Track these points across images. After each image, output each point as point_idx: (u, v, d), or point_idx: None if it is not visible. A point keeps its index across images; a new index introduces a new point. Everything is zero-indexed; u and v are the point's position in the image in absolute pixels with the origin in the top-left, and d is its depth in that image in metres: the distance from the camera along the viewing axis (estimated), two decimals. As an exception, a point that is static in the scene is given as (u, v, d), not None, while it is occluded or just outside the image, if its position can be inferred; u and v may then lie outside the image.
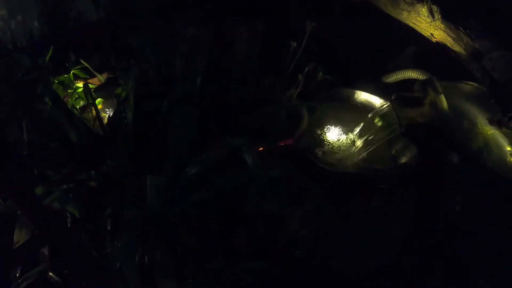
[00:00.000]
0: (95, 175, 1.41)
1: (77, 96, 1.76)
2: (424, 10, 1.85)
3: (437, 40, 1.87)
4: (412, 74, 1.83)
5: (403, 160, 1.66)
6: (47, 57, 1.77)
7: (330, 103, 1.94)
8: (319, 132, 1.87)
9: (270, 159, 1.50)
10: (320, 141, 1.83)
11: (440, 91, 1.74)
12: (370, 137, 1.76)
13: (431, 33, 1.87)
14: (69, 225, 1.37)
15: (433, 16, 1.80)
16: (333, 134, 1.86)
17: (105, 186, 1.42)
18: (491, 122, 1.70)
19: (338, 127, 1.89)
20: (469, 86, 1.86)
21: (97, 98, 1.73)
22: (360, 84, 2.01)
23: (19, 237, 1.42)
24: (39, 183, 1.31)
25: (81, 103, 1.77)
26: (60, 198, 1.35)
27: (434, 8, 1.82)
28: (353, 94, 1.96)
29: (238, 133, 1.42)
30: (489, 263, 1.56)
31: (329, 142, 1.83)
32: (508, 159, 1.66)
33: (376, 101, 1.90)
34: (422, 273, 1.52)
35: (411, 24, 1.92)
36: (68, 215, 1.37)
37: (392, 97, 1.73)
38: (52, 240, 1.33)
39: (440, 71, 1.87)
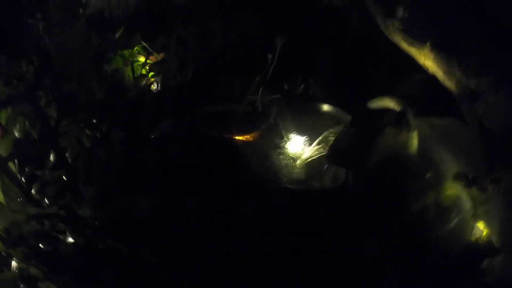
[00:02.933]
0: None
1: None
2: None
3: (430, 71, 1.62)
4: (389, 103, 1.63)
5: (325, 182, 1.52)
6: (119, 33, 2.07)
7: (302, 113, 1.83)
8: (278, 136, 1.79)
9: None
10: (275, 146, 1.76)
11: (412, 127, 1.53)
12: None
13: (423, 63, 1.63)
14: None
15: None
16: (292, 142, 1.78)
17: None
18: (457, 177, 1.44)
19: (299, 136, 1.79)
20: (457, 128, 1.59)
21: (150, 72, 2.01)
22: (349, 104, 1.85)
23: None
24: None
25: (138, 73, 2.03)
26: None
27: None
28: (330, 110, 1.82)
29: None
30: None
31: (283, 147, 1.76)
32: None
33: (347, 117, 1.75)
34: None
35: (406, 49, 1.69)
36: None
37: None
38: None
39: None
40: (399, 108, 1.57)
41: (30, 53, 2.36)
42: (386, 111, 1.65)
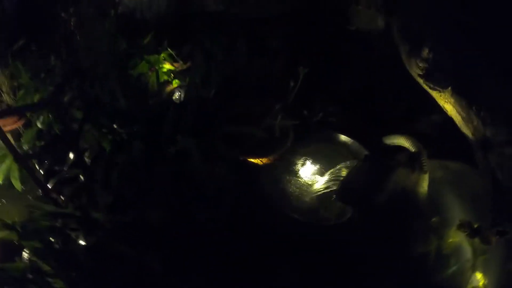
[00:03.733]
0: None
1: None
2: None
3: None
4: (405, 142, 1.66)
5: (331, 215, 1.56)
6: (147, 39, 2.13)
7: (319, 141, 1.87)
8: (294, 161, 1.82)
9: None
10: (288, 171, 1.79)
11: (424, 170, 1.56)
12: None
13: (442, 105, 1.65)
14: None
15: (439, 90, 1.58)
16: (305, 170, 1.81)
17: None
18: (462, 226, 1.46)
19: (313, 165, 1.82)
20: (469, 175, 1.61)
21: (174, 79, 2.10)
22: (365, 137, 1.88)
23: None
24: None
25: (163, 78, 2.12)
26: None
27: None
28: (346, 141, 1.85)
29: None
30: None
31: (296, 174, 1.79)
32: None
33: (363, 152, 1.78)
34: None
35: (426, 89, 1.71)
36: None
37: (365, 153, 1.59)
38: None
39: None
40: (414, 149, 1.60)
41: (59, 47, 2.43)
42: (400, 149, 1.69)
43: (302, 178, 1.76)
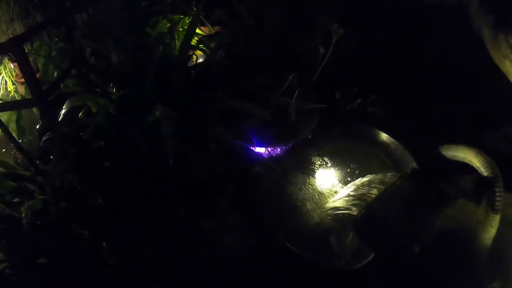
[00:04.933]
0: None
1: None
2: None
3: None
4: (474, 160, 1.14)
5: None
6: None
7: (349, 136, 1.37)
8: (310, 158, 1.34)
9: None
10: (301, 172, 1.31)
11: (497, 207, 1.04)
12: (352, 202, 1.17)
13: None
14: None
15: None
16: (324, 173, 1.31)
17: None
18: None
19: (336, 169, 1.32)
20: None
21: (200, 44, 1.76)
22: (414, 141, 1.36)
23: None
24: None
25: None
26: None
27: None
28: (387, 142, 1.33)
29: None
30: None
31: (310, 178, 1.30)
32: None
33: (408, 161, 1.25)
34: None
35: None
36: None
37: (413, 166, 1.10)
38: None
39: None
40: (487, 172, 1.08)
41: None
42: (465, 167, 1.17)
43: (316, 184, 1.26)
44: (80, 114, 1.53)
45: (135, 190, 1.27)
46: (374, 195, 1.04)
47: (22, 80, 2.09)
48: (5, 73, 2.22)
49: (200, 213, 1.20)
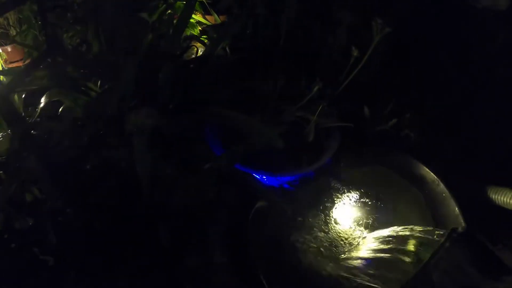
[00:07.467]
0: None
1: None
2: None
3: None
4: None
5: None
6: None
7: (380, 165, 1.09)
8: (327, 195, 1.06)
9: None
10: (315, 211, 1.03)
11: None
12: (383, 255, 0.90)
13: None
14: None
15: None
16: (345, 215, 1.03)
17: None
18: None
19: (360, 210, 1.04)
20: None
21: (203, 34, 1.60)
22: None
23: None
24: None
25: (188, 33, 1.67)
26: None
27: None
28: (425, 178, 1.05)
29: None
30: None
31: (327, 221, 1.02)
32: None
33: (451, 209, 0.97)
34: None
35: None
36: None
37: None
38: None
39: None
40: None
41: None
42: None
43: (335, 230, 0.98)
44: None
45: (107, 210, 1.02)
46: (408, 260, 0.77)
47: (11, 65, 1.93)
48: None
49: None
